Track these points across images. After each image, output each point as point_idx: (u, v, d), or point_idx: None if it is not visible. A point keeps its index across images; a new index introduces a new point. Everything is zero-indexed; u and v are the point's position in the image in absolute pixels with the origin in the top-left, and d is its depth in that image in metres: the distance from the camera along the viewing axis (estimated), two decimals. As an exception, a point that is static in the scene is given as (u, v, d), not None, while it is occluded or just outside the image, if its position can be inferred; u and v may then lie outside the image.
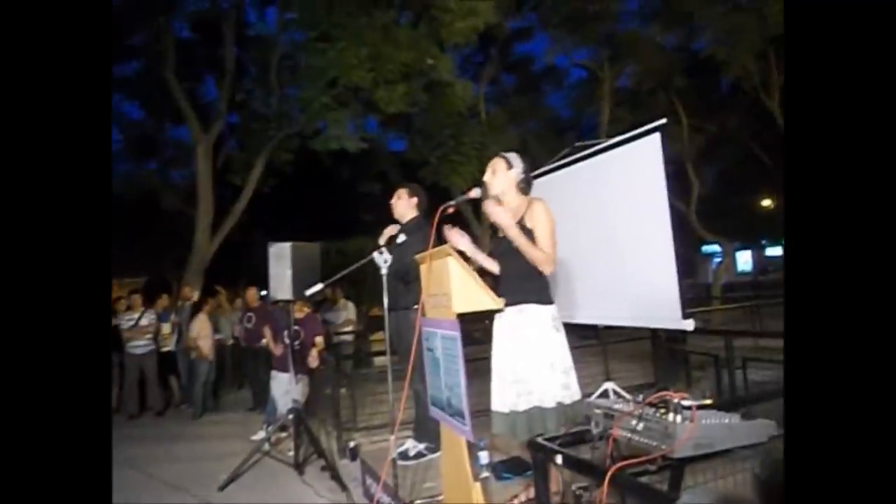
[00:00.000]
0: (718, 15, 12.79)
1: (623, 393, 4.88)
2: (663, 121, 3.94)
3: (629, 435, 1.69)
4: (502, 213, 2.80)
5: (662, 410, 1.64)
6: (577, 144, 4.91)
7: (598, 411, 1.84)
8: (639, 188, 4.12)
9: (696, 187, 15.91)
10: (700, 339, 6.20)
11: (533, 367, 2.72)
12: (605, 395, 4.83)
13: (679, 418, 1.57)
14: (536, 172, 5.24)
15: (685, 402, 1.64)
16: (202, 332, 7.39)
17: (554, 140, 15.65)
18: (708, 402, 1.68)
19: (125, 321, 7.63)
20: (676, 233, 3.88)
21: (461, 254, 2.78)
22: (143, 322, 7.65)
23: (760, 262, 29.13)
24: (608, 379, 4.98)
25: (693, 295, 16.70)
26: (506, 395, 2.77)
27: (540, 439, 1.87)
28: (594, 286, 4.60)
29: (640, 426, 1.66)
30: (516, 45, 16.56)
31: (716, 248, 21.30)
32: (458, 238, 2.86)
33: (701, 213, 16.20)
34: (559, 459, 1.72)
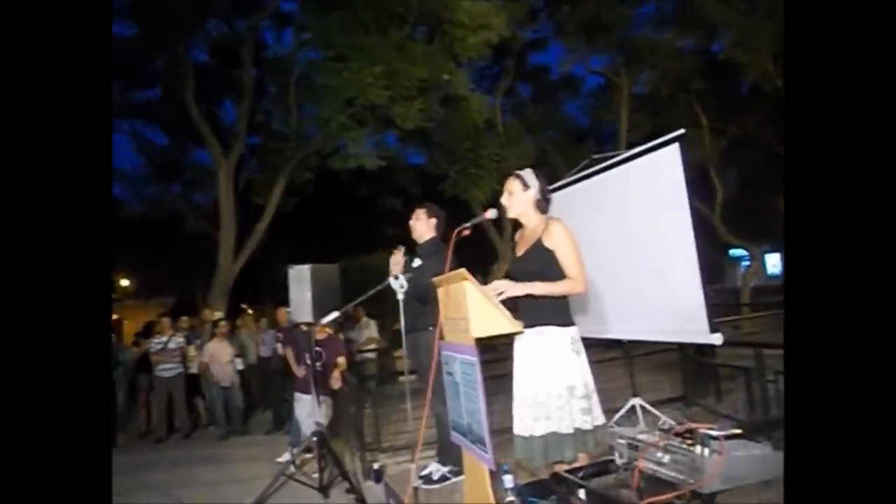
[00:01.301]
0: (735, 17, 12.61)
1: (651, 409, 4.79)
2: (682, 131, 3.87)
3: (655, 467, 1.62)
4: (515, 287, 2.70)
5: (689, 442, 1.58)
6: (595, 156, 4.85)
7: (622, 441, 1.78)
8: (660, 199, 4.05)
9: (720, 191, 15.64)
10: (730, 349, 6.04)
11: (551, 392, 2.65)
12: (632, 411, 4.75)
13: (707, 451, 1.51)
14: (554, 186, 5.21)
15: (713, 433, 1.57)
16: (215, 357, 7.41)
17: (573, 149, 15.55)
18: (737, 431, 1.61)
19: (154, 345, 7.72)
20: (702, 238, 3.80)
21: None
22: (171, 345, 7.72)
23: (790, 265, 28.46)
24: (635, 394, 4.89)
25: (721, 301, 16.35)
26: (525, 419, 2.71)
27: (562, 471, 1.81)
28: (619, 301, 4.53)
29: (667, 458, 1.60)
30: (532, 55, 16.52)
31: (743, 251, 20.88)
32: (500, 293, 2.75)
33: (726, 216, 15.91)
34: (582, 494, 1.66)
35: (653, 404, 5.00)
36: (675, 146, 3.92)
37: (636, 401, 4.76)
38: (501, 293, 2.68)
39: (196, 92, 11.72)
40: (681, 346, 5.87)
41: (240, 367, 7.55)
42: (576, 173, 5.10)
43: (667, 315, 4.06)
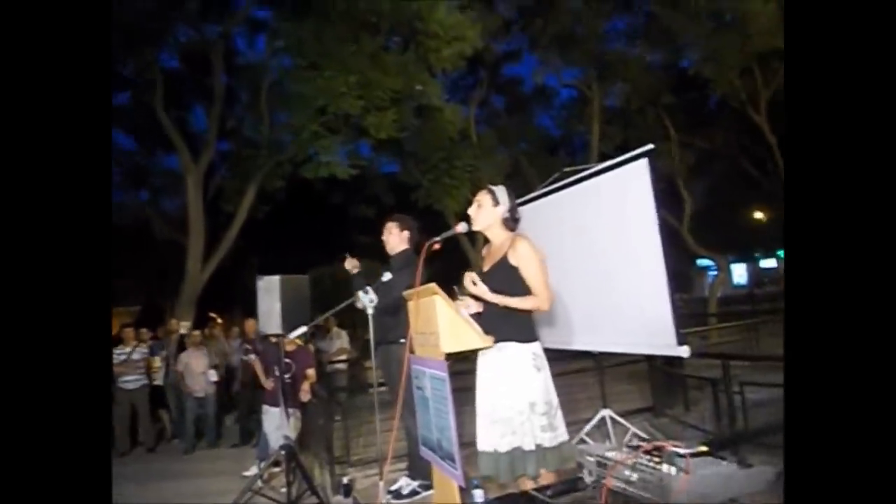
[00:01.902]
0: (704, 33, 12.95)
1: (621, 420, 4.83)
2: (650, 146, 3.93)
3: (623, 486, 1.63)
4: (486, 292, 2.73)
5: (657, 460, 1.59)
6: (566, 170, 4.89)
7: (590, 459, 1.78)
8: (629, 213, 4.11)
9: (688, 203, 15.97)
10: (698, 359, 6.14)
11: (514, 407, 2.65)
12: (602, 422, 4.78)
13: (674, 469, 1.51)
14: (525, 199, 5.25)
15: (680, 451, 1.58)
16: (189, 367, 7.27)
17: (545, 160, 15.73)
18: (703, 448, 1.62)
19: (116, 355, 7.50)
20: (670, 249, 3.85)
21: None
22: (135, 356, 7.53)
23: (756, 275, 29.25)
24: (605, 405, 4.92)
25: (689, 311, 16.67)
26: (489, 435, 2.70)
27: (530, 489, 1.80)
28: (587, 313, 4.56)
29: (635, 476, 1.60)
30: (505, 66, 16.70)
31: (710, 262, 21.35)
32: (465, 305, 2.80)
33: (694, 228, 16.24)
34: (551, 513, 1.65)
35: (622, 415, 5.04)
36: (644, 161, 3.98)
37: (606, 412, 4.80)
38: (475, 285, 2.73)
39: (165, 97, 11.53)
40: (650, 357, 5.95)
41: (214, 378, 7.37)
42: (546, 186, 5.14)
43: (635, 327, 4.10)
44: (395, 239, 3.99)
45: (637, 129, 15.51)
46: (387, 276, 3.15)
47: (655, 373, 6.03)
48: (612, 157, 4.40)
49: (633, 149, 4.10)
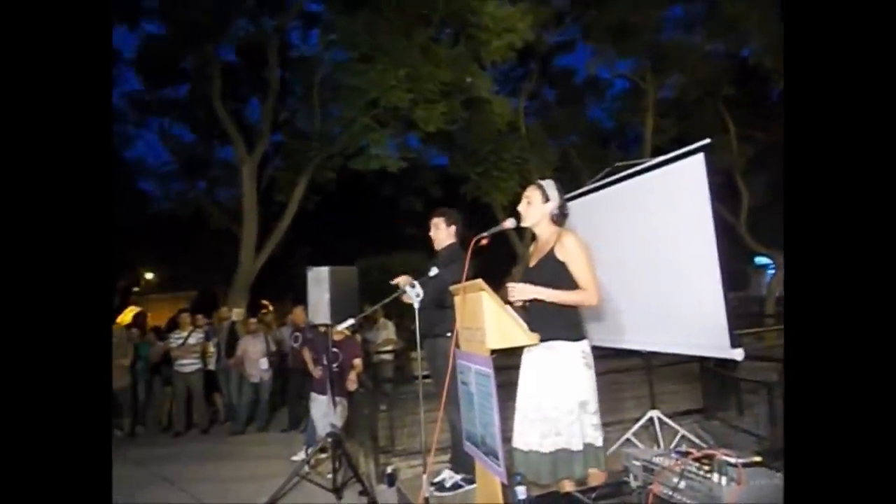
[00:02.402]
0: (766, 21, 12.38)
1: (669, 421, 4.71)
2: (707, 141, 3.79)
3: (670, 493, 1.58)
4: (529, 291, 2.72)
5: (707, 468, 1.54)
6: (618, 164, 4.78)
7: (636, 463, 1.74)
8: (683, 210, 3.98)
9: (746, 198, 15.39)
10: (753, 362, 5.91)
11: (561, 407, 2.61)
12: (649, 423, 4.68)
13: (724, 479, 1.46)
14: (576, 193, 5.16)
15: (731, 460, 1.53)
16: (247, 353, 7.52)
17: (596, 153, 15.44)
18: (757, 459, 1.56)
19: (174, 340, 7.83)
20: (726, 247, 3.71)
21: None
22: (192, 341, 7.82)
23: (817, 274, 27.91)
24: (653, 406, 4.81)
25: (745, 310, 16.09)
26: (527, 434, 2.67)
27: (574, 490, 1.78)
28: (638, 312, 4.46)
29: (683, 484, 1.56)
30: (557, 57, 16.44)
31: (769, 259, 20.50)
32: (522, 290, 2.78)
33: (752, 224, 15.64)
34: (594, 517, 1.63)
35: (671, 416, 4.92)
36: (700, 156, 3.84)
37: (654, 413, 4.69)
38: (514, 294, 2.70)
39: (222, 90, 11.89)
40: (702, 357, 5.77)
41: (264, 366, 7.58)
42: (598, 180, 5.04)
43: (687, 328, 3.98)
44: (443, 234, 4.00)
45: (693, 121, 15.00)
46: (433, 271, 3.15)
47: (707, 374, 5.85)
48: (666, 151, 4.26)
49: (689, 142, 3.96)
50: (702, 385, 5.95)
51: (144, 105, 13.96)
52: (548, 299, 2.68)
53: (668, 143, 13.83)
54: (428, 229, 4.12)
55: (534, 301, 2.78)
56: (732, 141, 14.87)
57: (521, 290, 2.71)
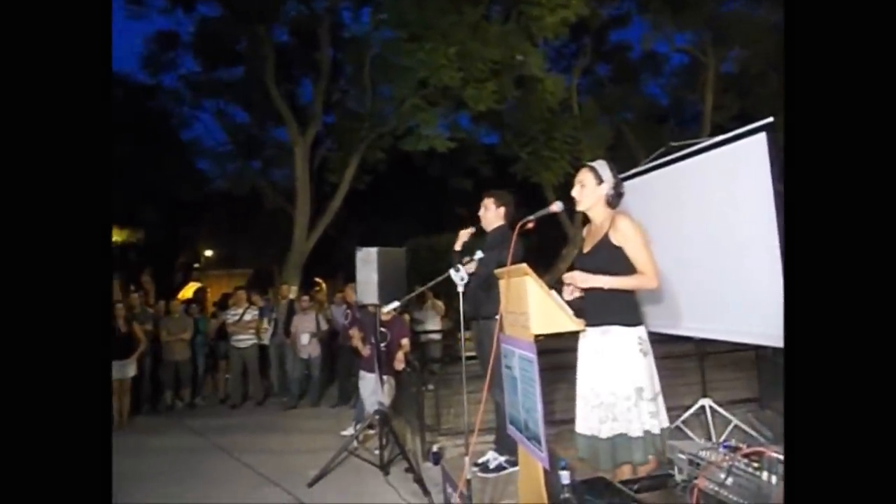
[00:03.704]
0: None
1: (721, 411, 4.58)
2: (770, 119, 3.59)
3: (716, 488, 1.54)
4: (588, 279, 2.65)
5: (756, 465, 1.48)
6: (672, 144, 4.60)
7: (682, 456, 1.70)
8: (743, 193, 3.81)
9: (813, 179, 14.60)
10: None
11: (618, 393, 2.58)
12: (701, 411, 4.56)
13: (774, 478, 1.40)
14: (630, 173, 5.01)
15: (782, 457, 1.46)
16: (300, 329, 7.74)
17: (652, 130, 14.95)
18: (810, 457, 1.49)
19: (230, 316, 8.12)
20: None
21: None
22: (247, 317, 8.10)
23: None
24: (705, 394, 4.68)
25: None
26: (588, 419, 2.65)
27: (616, 482, 1.75)
28: (693, 298, 4.32)
29: (730, 480, 1.51)
30: (612, 32, 15.92)
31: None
32: (569, 292, 2.75)
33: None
34: (636, 510, 1.59)
35: (724, 404, 4.78)
36: (762, 135, 3.65)
37: (706, 401, 4.57)
38: (571, 286, 2.68)
39: (276, 71, 12.07)
40: (758, 347, 5.56)
41: (304, 341, 7.75)
42: (652, 161, 4.88)
43: (743, 315, 3.84)
44: (492, 214, 3.97)
45: (756, 97, 14.28)
46: (479, 255, 3.14)
47: (764, 362, 5.64)
48: (727, 128, 4.07)
49: (751, 119, 3.77)
50: (758, 373, 5.74)
51: (201, 86, 14.33)
52: (606, 286, 2.62)
53: (729, 121, 13.25)
54: (477, 209, 4.10)
55: (589, 287, 2.74)
56: (799, 118, 14.08)
57: (581, 280, 2.66)
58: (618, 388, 2.58)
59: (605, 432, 2.58)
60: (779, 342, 3.60)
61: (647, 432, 2.54)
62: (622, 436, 2.55)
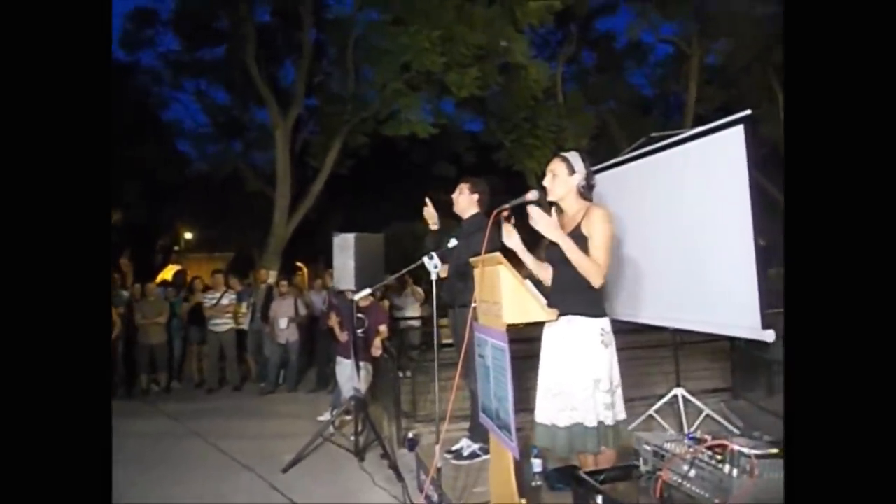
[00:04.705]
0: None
1: (694, 400, 4.63)
2: (747, 112, 3.60)
3: (679, 480, 1.54)
4: (551, 226, 2.64)
5: (719, 458, 1.48)
6: (653, 135, 4.60)
7: (647, 448, 1.70)
8: (720, 185, 3.82)
9: (793, 171, 14.76)
10: (786, 343, 5.74)
11: (577, 383, 2.58)
12: (674, 400, 4.61)
13: (736, 471, 1.41)
14: (608, 164, 5.01)
15: (746, 451, 1.47)
16: (278, 314, 7.67)
17: (636, 120, 14.98)
18: (774, 451, 1.50)
19: (207, 300, 8.02)
20: (768, 222, 3.55)
21: (511, 254, 2.68)
22: (224, 301, 8.01)
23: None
24: (679, 383, 4.73)
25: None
26: (548, 408, 2.66)
27: (582, 472, 1.75)
28: (665, 287, 4.35)
29: (693, 473, 1.51)
30: (598, 20, 15.87)
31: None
32: (506, 235, 2.74)
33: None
34: (599, 500, 1.59)
35: (697, 394, 4.83)
36: (741, 127, 3.66)
37: (679, 391, 4.62)
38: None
39: (257, 52, 11.86)
40: (732, 338, 5.63)
41: (283, 326, 7.69)
42: (631, 151, 4.88)
43: (716, 306, 3.86)
44: (465, 200, 3.96)
45: (740, 89, 14.37)
46: (452, 243, 3.12)
47: (738, 353, 5.70)
48: (710, 120, 4.07)
49: (735, 111, 3.76)
50: (731, 364, 5.82)
51: (180, 66, 14.04)
52: (563, 248, 2.60)
53: (713, 112, 13.31)
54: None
55: (555, 275, 2.73)
56: (780, 111, 14.22)
57: (544, 223, 2.62)
58: (576, 378, 2.59)
59: (564, 421, 2.58)
60: (750, 334, 3.64)
61: (601, 423, 2.56)
62: (579, 425, 2.56)
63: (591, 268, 2.57)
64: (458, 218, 4.15)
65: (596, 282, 2.59)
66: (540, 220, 2.61)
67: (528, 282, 2.55)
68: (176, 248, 23.06)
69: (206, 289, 8.39)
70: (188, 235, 23.32)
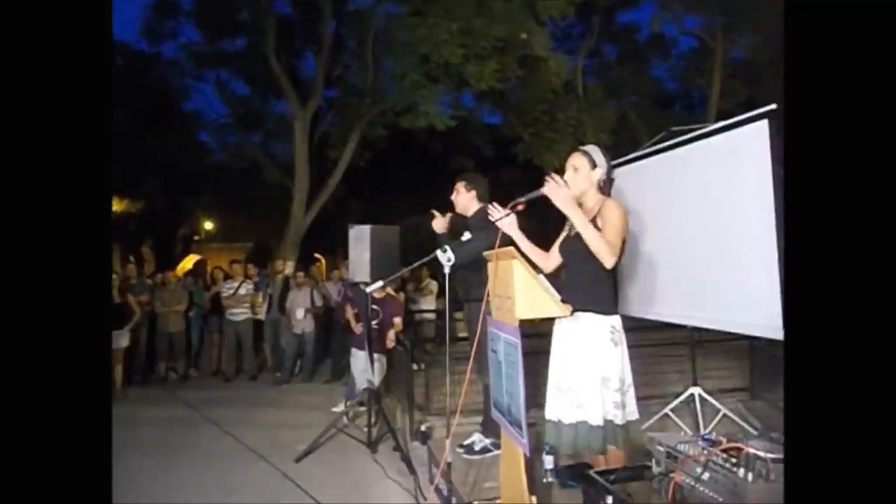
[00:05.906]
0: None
1: (711, 399, 4.56)
2: (772, 106, 3.50)
3: (692, 483, 1.50)
4: (568, 201, 2.53)
5: (733, 461, 1.44)
6: (673, 129, 4.52)
7: (660, 448, 1.66)
8: (742, 181, 3.73)
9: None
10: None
11: (584, 380, 2.55)
12: (690, 399, 4.55)
13: (751, 475, 1.37)
14: (628, 158, 4.93)
15: (761, 454, 1.43)
16: (294, 305, 7.73)
17: (658, 114, 14.76)
18: (790, 454, 1.46)
19: (225, 289, 8.10)
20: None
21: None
22: (242, 291, 8.08)
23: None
24: (695, 382, 4.66)
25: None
26: (555, 404, 2.64)
27: (593, 472, 1.72)
28: (685, 284, 4.27)
29: (706, 476, 1.47)
30: (620, 13, 15.67)
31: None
32: (507, 222, 2.70)
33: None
34: (609, 501, 1.57)
35: (714, 393, 4.76)
36: (765, 122, 3.56)
37: (695, 390, 4.55)
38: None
39: (277, 44, 11.88)
40: (752, 337, 5.53)
41: (300, 316, 7.74)
42: (652, 145, 4.79)
43: (737, 305, 3.78)
44: (464, 198, 3.94)
45: (765, 84, 14.06)
46: (466, 236, 3.09)
47: (757, 351, 5.61)
48: (734, 115, 3.98)
49: (759, 106, 3.67)
50: (750, 363, 5.72)
51: (201, 57, 14.13)
52: (577, 224, 2.54)
53: (737, 108, 13.05)
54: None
55: (568, 270, 2.69)
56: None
57: (562, 196, 2.52)
58: (584, 375, 2.55)
59: (569, 418, 2.56)
60: (769, 333, 3.56)
61: (608, 422, 2.52)
62: (584, 423, 2.53)
63: (602, 246, 2.49)
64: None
65: (608, 261, 2.51)
66: (557, 192, 2.53)
67: (541, 276, 2.52)
68: (196, 237, 23.31)
69: (227, 278, 8.48)
70: (208, 225, 23.55)
